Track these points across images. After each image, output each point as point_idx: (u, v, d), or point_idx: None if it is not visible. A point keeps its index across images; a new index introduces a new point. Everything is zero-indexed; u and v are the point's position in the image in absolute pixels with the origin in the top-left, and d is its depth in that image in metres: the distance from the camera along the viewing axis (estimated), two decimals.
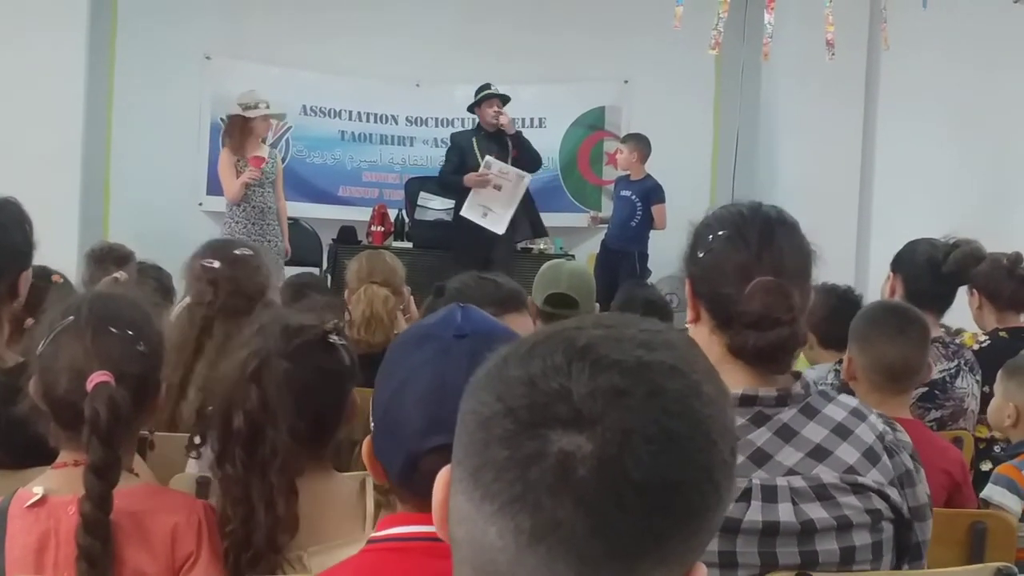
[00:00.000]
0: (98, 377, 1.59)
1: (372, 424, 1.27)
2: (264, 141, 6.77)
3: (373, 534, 1.24)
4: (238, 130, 6.57)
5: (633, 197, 7.16)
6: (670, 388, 0.72)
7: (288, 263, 6.81)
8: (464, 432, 0.75)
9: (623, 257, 6.96)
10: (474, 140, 7.07)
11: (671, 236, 1.87)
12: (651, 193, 7.17)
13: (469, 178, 6.89)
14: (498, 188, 6.91)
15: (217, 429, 1.71)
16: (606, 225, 7.62)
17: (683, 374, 0.74)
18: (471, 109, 7.24)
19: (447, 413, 1.15)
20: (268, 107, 6.60)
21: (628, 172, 7.37)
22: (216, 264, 2.73)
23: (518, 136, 7.15)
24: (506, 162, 6.97)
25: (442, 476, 0.81)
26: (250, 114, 6.52)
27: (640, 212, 7.12)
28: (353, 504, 1.73)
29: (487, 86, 7.17)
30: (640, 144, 7.42)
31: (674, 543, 0.71)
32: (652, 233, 7.20)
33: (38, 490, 1.62)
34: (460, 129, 8.01)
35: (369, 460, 1.27)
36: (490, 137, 7.04)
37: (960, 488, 2.48)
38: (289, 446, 1.65)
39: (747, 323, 1.54)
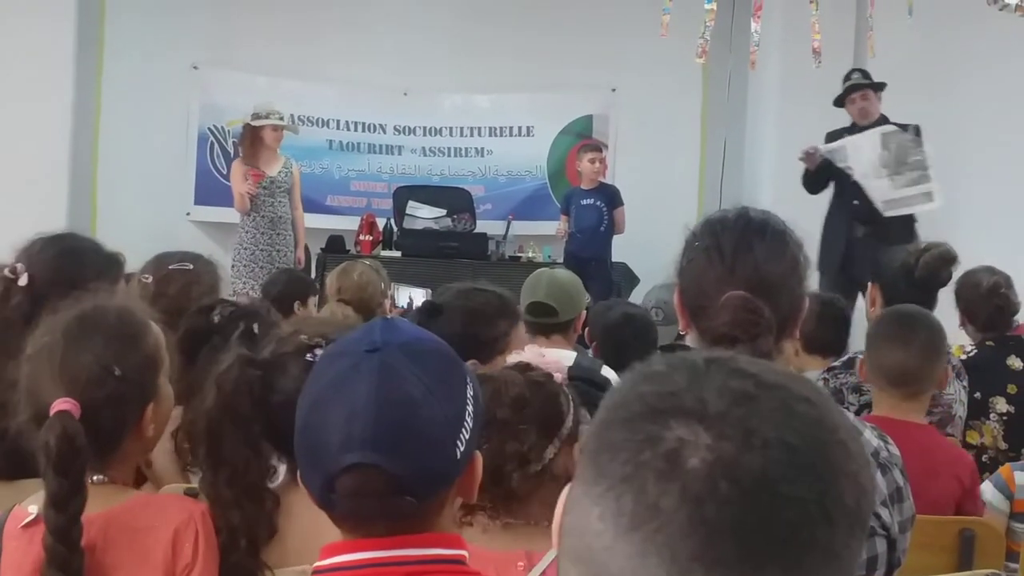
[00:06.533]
0: (59, 406, 1.55)
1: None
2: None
3: (316, 564, 1.21)
4: (248, 140, 6.62)
5: (599, 203, 7.14)
6: (800, 411, 0.71)
7: None
8: (596, 419, 0.76)
9: (596, 264, 6.95)
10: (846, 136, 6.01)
11: (663, 246, 1.85)
12: (615, 198, 7.18)
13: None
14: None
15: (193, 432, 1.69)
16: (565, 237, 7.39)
17: (816, 407, 0.73)
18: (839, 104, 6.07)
19: (358, 430, 1.14)
20: (281, 119, 6.63)
21: (587, 182, 7.26)
22: (148, 279, 2.72)
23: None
24: None
25: (564, 492, 0.79)
26: (256, 123, 6.57)
27: (607, 218, 7.12)
28: None
29: (848, 76, 5.99)
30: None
31: (771, 569, 0.67)
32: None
33: (32, 509, 1.59)
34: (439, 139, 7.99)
35: (301, 483, 1.25)
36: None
37: (968, 495, 2.48)
38: (245, 455, 1.61)
39: (710, 339, 1.54)
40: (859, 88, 5.98)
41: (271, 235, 6.53)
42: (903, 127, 5.86)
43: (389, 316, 1.27)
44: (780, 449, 0.69)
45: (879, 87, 5.98)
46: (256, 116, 6.59)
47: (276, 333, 1.80)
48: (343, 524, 1.21)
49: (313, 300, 4.34)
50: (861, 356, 2.73)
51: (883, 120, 5.93)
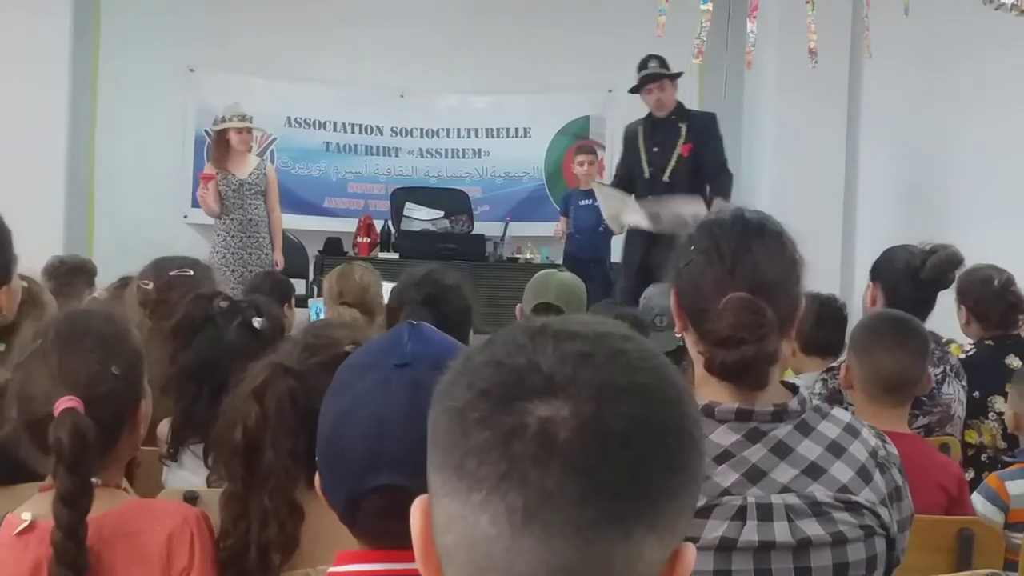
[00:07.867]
0: (64, 404, 1.55)
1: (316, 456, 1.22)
2: (261, 153, 6.69)
3: (331, 569, 1.20)
4: (215, 144, 6.60)
5: (596, 204, 7.14)
6: (630, 349, 0.75)
7: None
8: (439, 431, 0.75)
9: (595, 264, 6.95)
10: (640, 130, 6.07)
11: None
12: None
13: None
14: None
15: (220, 443, 1.65)
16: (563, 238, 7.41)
17: (638, 341, 0.77)
18: (637, 92, 6.11)
19: (387, 450, 1.12)
20: (244, 120, 6.52)
21: (584, 184, 7.25)
22: (149, 285, 2.70)
23: (703, 123, 5.98)
24: (671, 156, 5.89)
25: (418, 505, 0.79)
26: (218, 127, 6.53)
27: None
28: None
29: (644, 63, 5.99)
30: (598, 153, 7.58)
31: (663, 501, 0.71)
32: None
33: (26, 516, 1.58)
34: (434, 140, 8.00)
35: (321, 493, 1.23)
36: (658, 125, 5.96)
37: (956, 504, 2.44)
38: (288, 468, 1.57)
39: (714, 341, 1.54)
40: (656, 79, 5.92)
41: (242, 238, 6.44)
42: (706, 114, 6.01)
43: (414, 322, 1.24)
44: (634, 391, 0.72)
45: (676, 76, 5.90)
46: (221, 119, 6.54)
47: (297, 337, 1.76)
48: (363, 537, 1.19)
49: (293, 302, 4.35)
50: (843, 362, 2.70)
51: (680, 108, 5.96)
